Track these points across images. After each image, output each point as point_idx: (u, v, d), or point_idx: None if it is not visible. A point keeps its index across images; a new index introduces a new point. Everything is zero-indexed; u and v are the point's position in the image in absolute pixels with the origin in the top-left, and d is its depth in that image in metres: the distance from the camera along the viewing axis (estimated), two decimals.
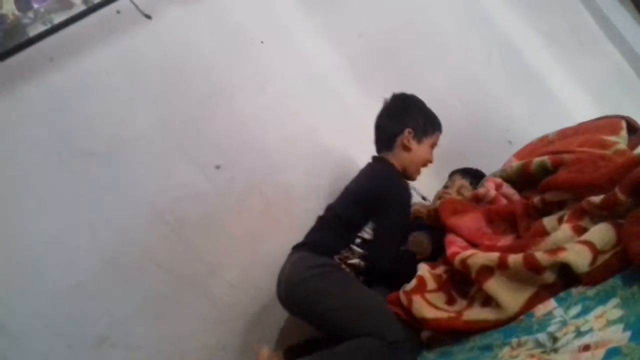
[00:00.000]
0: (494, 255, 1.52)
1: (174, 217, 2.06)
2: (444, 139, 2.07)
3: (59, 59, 2.07)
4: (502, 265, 1.48)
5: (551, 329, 1.36)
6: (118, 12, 2.14)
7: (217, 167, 2.15)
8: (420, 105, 2.02)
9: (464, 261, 1.59)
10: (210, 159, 2.15)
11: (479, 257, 1.55)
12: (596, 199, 1.48)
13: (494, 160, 2.30)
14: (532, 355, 1.30)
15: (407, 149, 1.95)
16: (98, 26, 2.13)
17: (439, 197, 2.22)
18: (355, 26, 2.53)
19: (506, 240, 1.73)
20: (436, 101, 2.49)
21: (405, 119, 1.97)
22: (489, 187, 1.96)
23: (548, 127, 2.26)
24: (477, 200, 1.98)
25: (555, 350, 1.29)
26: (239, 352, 2.06)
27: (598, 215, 1.49)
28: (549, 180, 1.71)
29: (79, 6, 2.07)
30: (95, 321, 1.96)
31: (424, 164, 2.02)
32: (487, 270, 1.52)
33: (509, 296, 1.47)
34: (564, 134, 2.12)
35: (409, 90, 2.46)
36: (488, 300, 1.53)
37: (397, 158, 1.97)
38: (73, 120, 2.05)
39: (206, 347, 2.04)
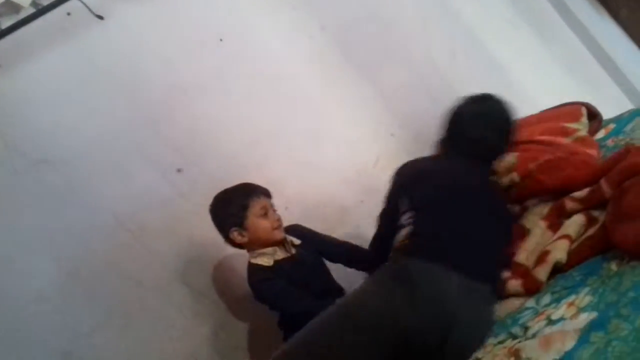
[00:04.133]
0: None
1: (136, 225, 1.99)
2: (410, 131, 2.05)
3: (8, 65, 1.98)
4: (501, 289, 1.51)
5: (523, 320, 1.36)
6: (68, 14, 2.06)
7: (179, 171, 2.09)
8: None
9: None
10: (171, 162, 2.09)
11: None
12: (579, 193, 1.52)
13: None
14: (504, 347, 1.30)
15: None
16: (48, 29, 2.04)
17: None
18: (317, 20, 2.50)
19: None
20: (403, 95, 2.49)
21: None
22: None
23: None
24: None
25: (527, 339, 1.29)
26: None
27: (578, 209, 1.51)
28: (529, 188, 1.75)
29: (27, 9, 2.00)
30: (59, 336, 1.88)
31: None
32: None
33: (501, 308, 1.49)
34: (526, 122, 2.13)
35: (373, 84, 2.45)
36: None
37: None
38: (25, 128, 1.97)
39: (175, 357, 1.98)
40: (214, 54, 2.28)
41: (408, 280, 1.40)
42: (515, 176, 1.82)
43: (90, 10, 2.08)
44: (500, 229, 1.59)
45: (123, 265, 1.97)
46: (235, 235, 1.82)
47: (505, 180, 1.85)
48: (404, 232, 1.59)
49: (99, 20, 2.10)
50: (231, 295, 2.03)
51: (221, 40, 2.31)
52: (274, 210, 1.88)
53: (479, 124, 1.73)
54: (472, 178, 1.68)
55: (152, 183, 2.05)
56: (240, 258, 1.94)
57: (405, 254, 1.52)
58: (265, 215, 1.82)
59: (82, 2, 2.06)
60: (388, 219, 1.74)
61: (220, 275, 2.05)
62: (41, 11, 2.00)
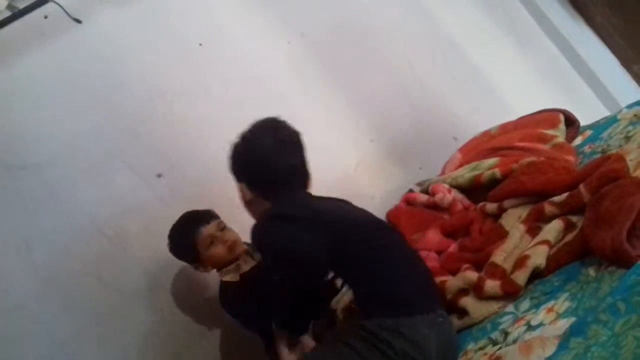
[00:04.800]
0: (472, 278, 1.53)
1: (115, 230, 1.97)
2: (390, 137, 2.06)
3: None
4: (478, 288, 1.51)
5: (503, 325, 1.37)
6: (46, 17, 2.05)
7: (159, 176, 2.08)
8: None
9: (441, 284, 1.59)
10: (151, 167, 2.07)
11: (456, 281, 1.57)
12: (558, 198, 1.53)
13: (439, 156, 2.32)
14: (485, 354, 1.31)
15: None
16: (25, 32, 2.03)
17: None
18: (296, 26, 2.50)
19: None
20: (382, 101, 2.50)
21: None
22: (443, 192, 1.97)
23: (490, 122, 2.30)
24: (434, 206, 1.99)
25: (507, 345, 1.30)
26: None
27: (556, 214, 1.53)
28: (509, 187, 1.75)
29: (3, 12, 1.99)
30: (36, 343, 1.85)
31: None
32: (462, 292, 1.55)
33: (480, 310, 1.49)
34: (505, 128, 2.16)
35: (352, 90, 2.45)
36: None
37: None
38: (2, 133, 1.94)
39: None
40: (193, 58, 2.28)
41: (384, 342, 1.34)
42: (497, 172, 1.84)
43: (67, 13, 2.06)
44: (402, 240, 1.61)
45: (101, 271, 1.95)
46: (199, 270, 1.86)
47: (486, 175, 1.87)
48: (346, 297, 1.62)
49: (77, 23, 2.08)
50: (212, 301, 2.01)
51: (200, 44, 2.30)
52: (223, 229, 1.84)
53: (288, 151, 1.57)
54: (347, 207, 1.66)
55: (131, 188, 2.04)
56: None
57: (363, 318, 1.42)
58: (213, 243, 1.81)
59: (60, 5, 2.04)
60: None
61: (200, 281, 2.04)
62: (18, 14, 1.99)
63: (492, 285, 1.47)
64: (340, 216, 1.56)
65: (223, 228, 1.84)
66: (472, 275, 1.53)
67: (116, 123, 2.08)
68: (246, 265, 1.86)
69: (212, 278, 1.95)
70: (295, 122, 2.40)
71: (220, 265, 1.85)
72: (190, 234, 1.80)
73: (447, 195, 1.95)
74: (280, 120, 1.60)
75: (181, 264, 1.94)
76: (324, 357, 1.47)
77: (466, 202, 1.94)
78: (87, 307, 1.92)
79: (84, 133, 2.03)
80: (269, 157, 1.53)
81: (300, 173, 1.59)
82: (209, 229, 1.81)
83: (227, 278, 1.84)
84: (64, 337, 1.87)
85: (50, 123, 2.00)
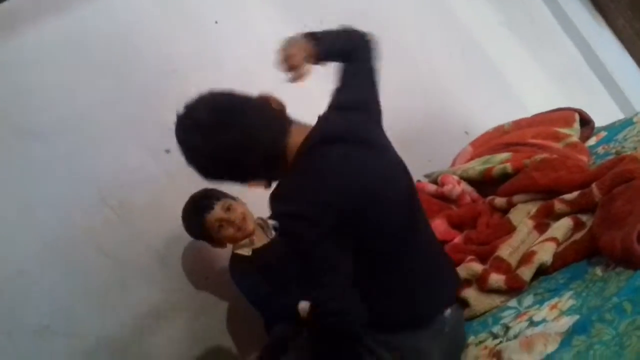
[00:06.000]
0: (476, 270, 1.52)
1: (119, 201, 1.96)
2: (401, 128, 2.03)
3: None
4: (482, 281, 1.49)
5: (504, 320, 1.36)
6: None
7: (167, 151, 2.05)
8: None
9: None
10: (159, 142, 2.03)
11: (460, 271, 1.54)
12: (569, 196, 1.51)
13: (449, 149, 2.30)
14: (485, 347, 1.30)
15: None
16: (40, 1, 2.01)
17: None
18: (316, 12, 2.47)
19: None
20: (394, 91, 2.47)
21: None
22: (453, 183, 1.95)
23: (504, 119, 2.28)
24: (442, 197, 1.97)
25: (508, 340, 1.29)
26: (187, 343, 1.99)
27: (565, 212, 1.51)
28: (520, 183, 1.73)
29: None
30: (37, 309, 1.84)
31: None
32: (466, 282, 1.53)
33: (482, 303, 1.48)
34: (518, 124, 2.14)
35: None
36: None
37: None
38: (12, 98, 1.92)
39: (155, 339, 1.96)
40: (209, 35, 2.26)
41: None
42: (508, 167, 1.82)
43: None
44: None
45: (104, 242, 1.94)
46: (217, 249, 1.88)
47: (497, 169, 1.85)
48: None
49: None
50: (214, 278, 2.01)
51: (216, 22, 2.28)
52: (228, 209, 1.80)
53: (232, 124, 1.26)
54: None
55: (139, 161, 2.02)
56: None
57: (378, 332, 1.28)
58: (221, 226, 1.79)
59: None
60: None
61: (203, 257, 2.03)
62: None
63: (496, 279, 1.46)
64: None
65: (229, 207, 1.81)
66: (476, 267, 1.52)
67: (128, 95, 2.06)
68: (259, 242, 1.86)
69: (217, 254, 1.95)
70: (307, 107, 2.40)
71: (236, 242, 1.85)
72: (197, 224, 1.81)
73: (456, 186, 1.93)
74: (186, 111, 1.31)
75: (185, 238, 1.93)
76: None
77: (475, 194, 1.92)
78: (87, 276, 1.90)
79: (95, 103, 2.01)
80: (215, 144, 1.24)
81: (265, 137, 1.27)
82: (213, 215, 1.79)
83: (241, 250, 1.85)
84: (64, 304, 1.87)
85: (62, 91, 1.97)
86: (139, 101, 2.07)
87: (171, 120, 2.06)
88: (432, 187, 2.02)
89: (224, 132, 1.22)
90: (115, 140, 2.01)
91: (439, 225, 1.81)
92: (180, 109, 1.29)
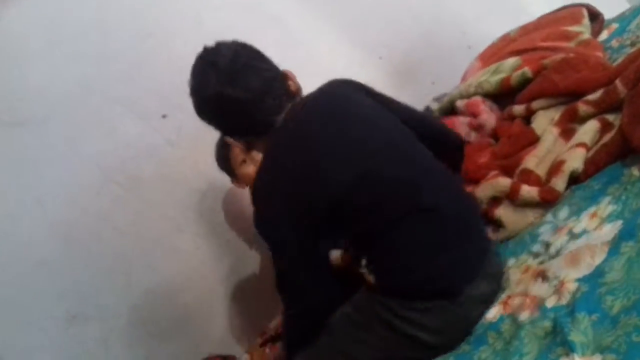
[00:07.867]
0: (504, 184, 1.42)
1: (125, 176, 1.91)
2: (399, 51, 1.95)
3: None
4: (513, 193, 1.40)
5: (543, 236, 1.30)
6: None
7: (164, 117, 1.99)
8: None
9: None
10: (153, 109, 1.98)
11: (486, 189, 1.45)
12: (593, 96, 1.43)
13: (452, 68, 2.20)
14: (527, 269, 1.25)
15: None
16: None
17: None
18: None
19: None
20: (385, 14, 2.36)
21: None
22: (483, 112, 1.78)
23: (505, 26, 2.17)
24: (478, 129, 1.80)
25: (551, 257, 1.23)
26: (215, 306, 1.99)
27: (591, 113, 1.43)
28: (539, 87, 1.61)
29: None
30: (64, 299, 1.82)
31: None
32: (495, 201, 1.45)
33: (516, 221, 1.40)
34: (525, 29, 2.04)
35: (355, 7, 2.31)
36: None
37: None
38: None
39: (184, 306, 1.95)
40: None
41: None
42: (527, 71, 1.69)
43: None
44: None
45: (118, 220, 1.90)
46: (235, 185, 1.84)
47: (515, 76, 1.73)
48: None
49: None
50: (236, 239, 1.98)
51: None
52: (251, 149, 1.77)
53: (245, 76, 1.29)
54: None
55: (137, 133, 1.96)
56: (239, 199, 1.90)
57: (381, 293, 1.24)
58: (244, 161, 1.75)
59: None
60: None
61: (221, 219, 2.00)
62: None
63: (528, 189, 1.37)
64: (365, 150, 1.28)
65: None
66: (504, 181, 1.43)
67: (108, 69, 1.96)
68: None
69: (235, 216, 1.91)
70: (296, 48, 2.30)
71: None
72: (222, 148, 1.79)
73: (489, 119, 1.76)
74: (212, 47, 1.33)
75: (201, 204, 1.91)
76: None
77: (495, 110, 1.80)
78: (107, 257, 1.88)
79: (77, 83, 1.91)
80: (224, 96, 1.27)
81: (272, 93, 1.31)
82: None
83: None
84: (89, 289, 1.85)
85: (40, 77, 1.87)
86: (120, 73, 1.98)
87: (161, 85, 2.01)
88: (464, 120, 1.83)
89: (231, 86, 1.26)
90: (107, 117, 1.93)
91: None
92: (212, 43, 1.34)
